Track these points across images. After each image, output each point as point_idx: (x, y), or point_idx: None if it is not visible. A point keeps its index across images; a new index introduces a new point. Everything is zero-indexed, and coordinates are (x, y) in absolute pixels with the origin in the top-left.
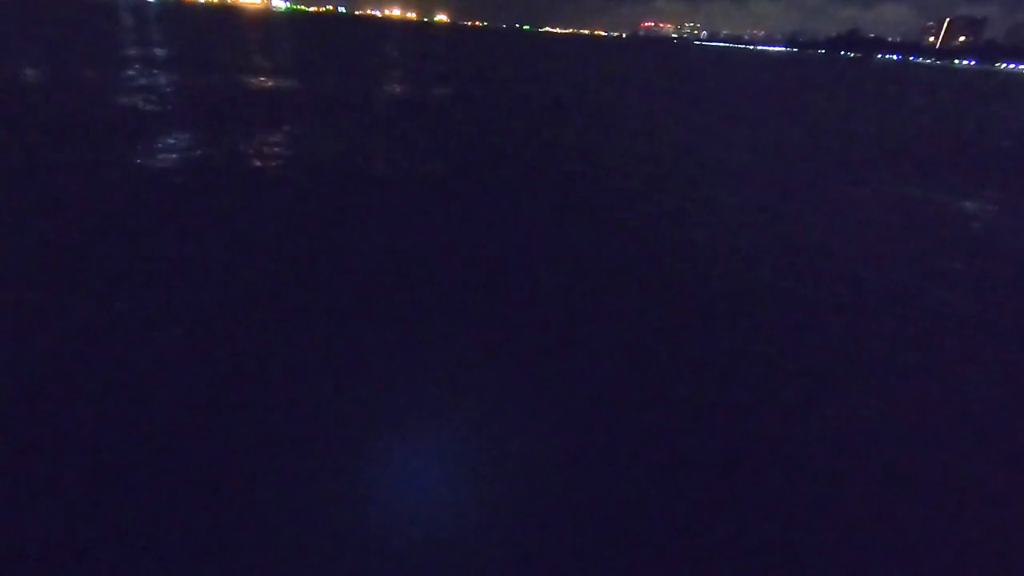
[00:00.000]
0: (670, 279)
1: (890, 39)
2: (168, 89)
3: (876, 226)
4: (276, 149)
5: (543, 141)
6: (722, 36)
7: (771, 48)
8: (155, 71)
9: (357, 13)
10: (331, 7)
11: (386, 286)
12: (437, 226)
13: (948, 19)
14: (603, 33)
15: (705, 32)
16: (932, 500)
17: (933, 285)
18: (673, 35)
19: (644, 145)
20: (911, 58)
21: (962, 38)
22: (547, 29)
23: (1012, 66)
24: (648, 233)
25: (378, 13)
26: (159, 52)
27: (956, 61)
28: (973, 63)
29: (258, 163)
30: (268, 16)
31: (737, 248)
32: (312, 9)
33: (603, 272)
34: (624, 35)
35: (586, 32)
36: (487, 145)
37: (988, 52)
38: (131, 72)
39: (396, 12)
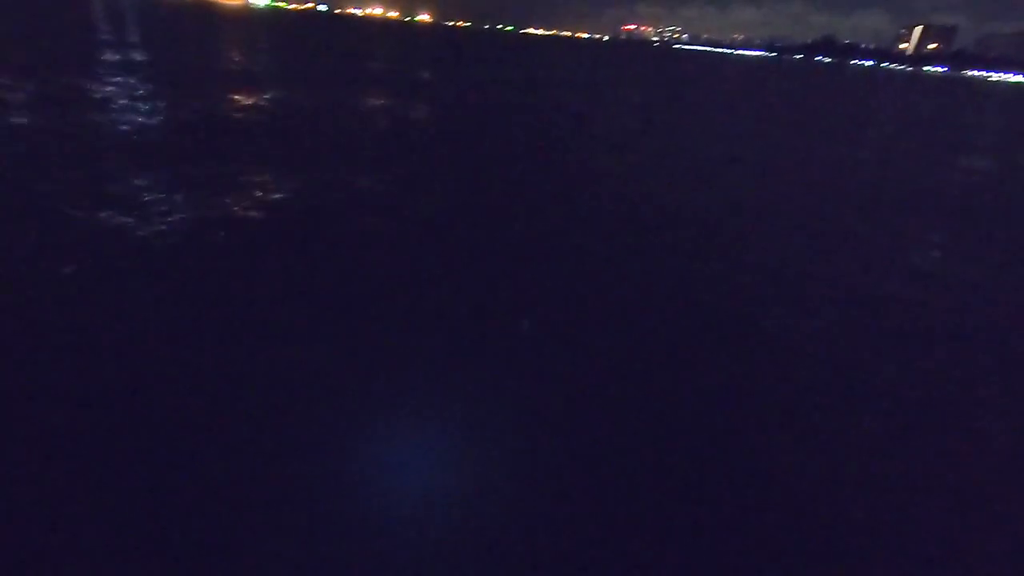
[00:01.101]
0: (668, 274)
1: (864, 46)
2: (143, 106)
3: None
4: (261, 180)
5: (542, 151)
6: (702, 40)
7: (750, 53)
8: (130, 82)
9: (338, 12)
10: (311, 4)
11: (389, 301)
12: (435, 233)
13: (920, 27)
14: (585, 35)
15: (686, 36)
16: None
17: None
18: (654, 39)
19: (644, 147)
20: (884, 64)
21: (933, 46)
22: (529, 31)
23: (980, 73)
24: (646, 232)
25: (359, 12)
26: (136, 57)
27: (927, 68)
28: (944, 70)
29: (246, 201)
30: (247, 14)
31: (739, 243)
32: (292, 7)
33: (603, 274)
34: (606, 38)
35: (568, 34)
36: (485, 159)
37: (958, 60)
38: (106, 85)
39: (378, 11)
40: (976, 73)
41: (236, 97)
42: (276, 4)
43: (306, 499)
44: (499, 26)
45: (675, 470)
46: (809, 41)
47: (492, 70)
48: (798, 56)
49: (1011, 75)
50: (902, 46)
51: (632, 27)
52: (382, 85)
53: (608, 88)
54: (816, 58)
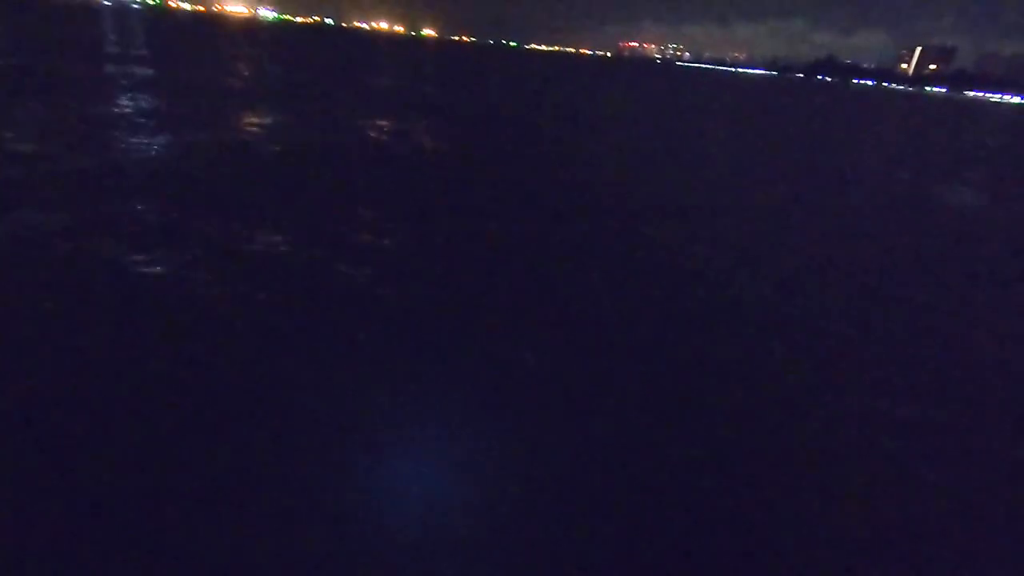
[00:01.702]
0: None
1: (865, 66)
2: (147, 135)
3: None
4: (264, 219)
5: (550, 174)
6: (705, 58)
7: (752, 71)
8: (137, 105)
9: (344, 25)
10: (318, 18)
11: (398, 332)
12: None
13: (920, 48)
14: (588, 52)
15: (688, 54)
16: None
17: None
18: (657, 56)
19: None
20: (885, 84)
21: (933, 66)
22: (533, 46)
23: (980, 94)
24: (650, 238)
25: (366, 26)
26: (144, 73)
27: (927, 88)
28: (944, 90)
29: (249, 241)
30: (254, 27)
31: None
32: (299, 20)
33: (605, 278)
34: (609, 54)
35: (571, 50)
36: (490, 181)
37: (957, 80)
38: (112, 109)
39: (384, 25)
40: (976, 94)
41: (245, 121)
42: (284, 17)
43: (310, 504)
44: (503, 41)
45: (675, 479)
46: (811, 60)
47: (499, 88)
48: (799, 75)
49: (1011, 96)
50: (903, 66)
51: (634, 44)
52: (389, 105)
53: (617, 110)
54: (818, 77)
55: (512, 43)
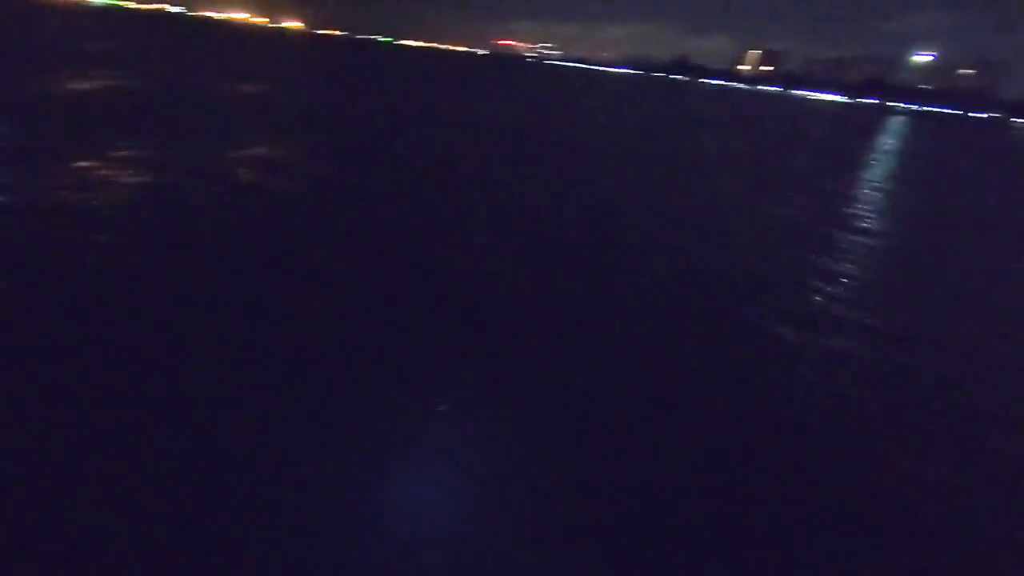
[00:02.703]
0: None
1: (713, 67)
2: None
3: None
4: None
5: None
6: (573, 57)
7: (618, 70)
8: None
9: (192, 14)
10: (160, 6)
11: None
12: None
13: (753, 52)
14: (462, 49)
15: (558, 52)
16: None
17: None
18: (529, 54)
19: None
20: (729, 83)
21: (767, 68)
22: (406, 42)
23: (806, 93)
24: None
25: (221, 15)
26: None
27: (762, 87)
28: (779, 89)
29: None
30: (80, 14)
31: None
32: (136, 6)
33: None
34: (485, 52)
35: (445, 47)
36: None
37: (787, 81)
38: None
39: (241, 16)
40: (804, 93)
41: (81, 157)
42: (117, 3)
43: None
44: (374, 36)
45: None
46: (667, 60)
47: (382, 91)
48: (659, 74)
49: (828, 95)
50: (741, 67)
51: (508, 42)
52: (265, 120)
53: (513, 110)
54: (673, 76)
55: (385, 38)
